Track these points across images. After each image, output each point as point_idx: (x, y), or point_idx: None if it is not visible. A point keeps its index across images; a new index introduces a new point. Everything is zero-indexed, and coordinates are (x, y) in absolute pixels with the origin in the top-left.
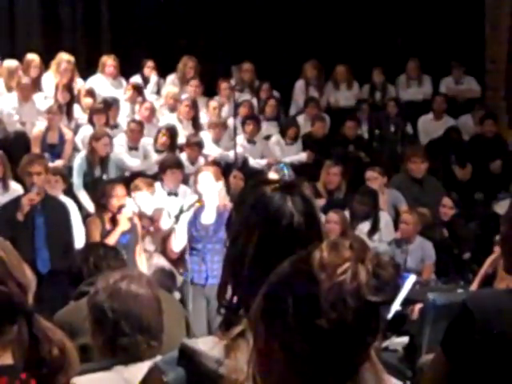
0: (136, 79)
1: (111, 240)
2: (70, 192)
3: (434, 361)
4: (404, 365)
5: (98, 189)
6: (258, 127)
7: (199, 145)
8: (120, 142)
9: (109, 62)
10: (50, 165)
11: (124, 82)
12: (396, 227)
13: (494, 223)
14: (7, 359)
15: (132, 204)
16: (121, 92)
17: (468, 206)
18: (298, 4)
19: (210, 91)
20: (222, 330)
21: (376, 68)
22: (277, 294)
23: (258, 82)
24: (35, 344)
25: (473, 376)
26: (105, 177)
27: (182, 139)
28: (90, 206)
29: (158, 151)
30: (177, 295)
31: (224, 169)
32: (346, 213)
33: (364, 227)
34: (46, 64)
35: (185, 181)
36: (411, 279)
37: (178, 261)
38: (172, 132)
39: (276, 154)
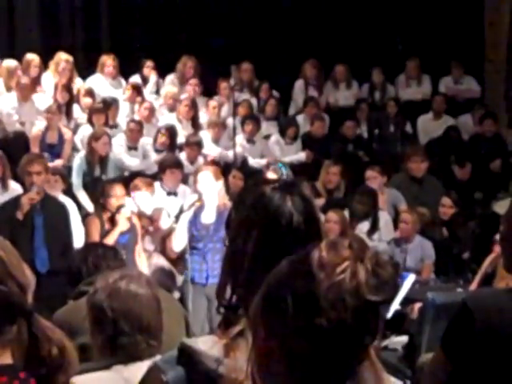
0: (135, 79)
1: (110, 240)
2: (69, 192)
3: (433, 360)
4: (403, 364)
5: (97, 189)
6: (258, 127)
7: (199, 144)
8: (119, 142)
9: (108, 61)
10: (50, 164)
11: (123, 81)
12: (395, 227)
13: (494, 223)
14: (7, 359)
15: (131, 204)
16: (120, 92)
17: (467, 205)
18: (297, 4)
19: (209, 91)
20: (222, 329)
21: (375, 67)
22: (276, 293)
23: (258, 81)
24: (35, 343)
25: (473, 375)
26: (104, 177)
27: (181, 139)
28: (89, 206)
29: (157, 151)
30: (176, 295)
31: (223, 168)
32: (346, 212)
33: (363, 227)
34: (45, 64)
35: (184, 180)
36: (410, 278)
37: (178, 260)
38: (171, 132)
39: (275, 154)
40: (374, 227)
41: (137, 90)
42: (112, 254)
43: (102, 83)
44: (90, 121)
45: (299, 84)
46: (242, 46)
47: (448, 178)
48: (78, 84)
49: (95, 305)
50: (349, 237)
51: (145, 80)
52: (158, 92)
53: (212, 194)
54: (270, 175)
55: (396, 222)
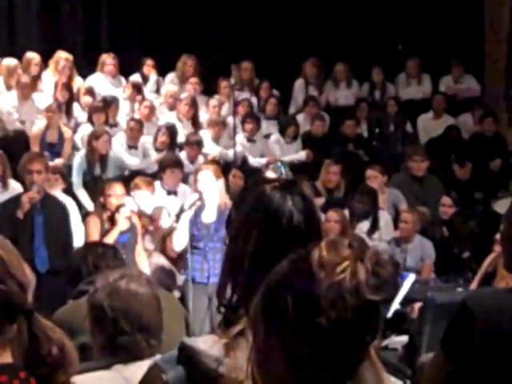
0: (135, 78)
1: (109, 239)
2: (69, 191)
3: (433, 360)
4: (403, 364)
5: (97, 188)
6: (258, 126)
7: (199, 143)
8: (119, 141)
9: (108, 60)
10: (50, 163)
11: (123, 80)
12: (396, 226)
13: (494, 222)
14: (7, 358)
15: (131, 203)
16: (120, 91)
17: (467, 204)
18: (297, 3)
19: (209, 90)
20: (222, 328)
21: (376, 67)
22: (276, 292)
23: (258, 80)
24: (35, 343)
25: (473, 375)
26: (104, 176)
27: (181, 138)
28: (89, 205)
29: (157, 150)
30: (176, 294)
31: (223, 168)
32: (346, 212)
33: (364, 226)
34: (45, 63)
35: (184, 180)
36: (411, 278)
37: (178, 259)
38: (171, 131)
39: (275, 153)
40: (374, 227)
41: (137, 88)
42: (112, 253)
43: (102, 82)
44: (90, 119)
45: (299, 83)
46: (243, 45)
47: (448, 177)
48: (78, 83)
49: (95, 304)
50: (349, 236)
51: (145, 79)
52: (158, 91)
53: (213, 194)
54: (270, 174)
55: (396, 221)
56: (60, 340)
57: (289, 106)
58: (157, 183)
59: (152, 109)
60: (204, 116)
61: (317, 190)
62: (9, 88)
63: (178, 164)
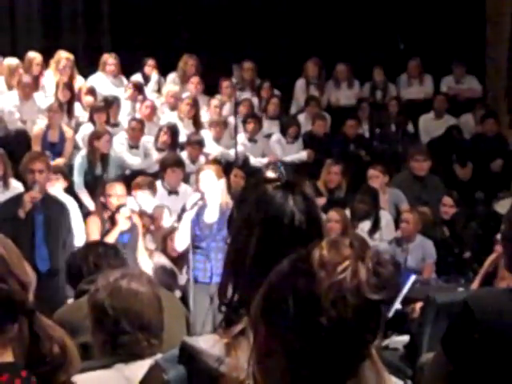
0: (137, 77)
1: (110, 239)
2: (70, 190)
3: (434, 360)
4: (404, 363)
5: (98, 187)
6: (259, 126)
7: (200, 143)
8: (121, 141)
9: (109, 60)
10: (51, 163)
11: (125, 80)
12: (397, 226)
13: (495, 222)
14: (8, 357)
15: (133, 202)
16: (121, 90)
17: (469, 204)
18: (298, 3)
19: (210, 90)
20: (223, 328)
21: (377, 67)
22: (277, 292)
23: (259, 80)
24: (36, 342)
25: (473, 375)
26: (105, 175)
27: (182, 138)
28: (90, 205)
29: (158, 150)
30: (178, 293)
31: (225, 167)
32: (347, 212)
33: (365, 226)
34: (46, 63)
35: (186, 179)
36: (412, 278)
37: (179, 259)
38: (173, 130)
39: (277, 153)
40: (375, 226)
41: (138, 88)
42: (113, 252)
43: (104, 82)
44: (91, 119)
45: (301, 83)
46: (244, 45)
47: (449, 177)
48: (80, 82)
49: (96, 303)
50: (350, 236)
51: (146, 78)
52: (159, 90)
53: (214, 193)
54: (269, 174)
55: (397, 221)
56: (61, 339)
57: (290, 106)
58: (158, 183)
59: (153, 108)
60: (205, 116)
61: (318, 189)
62: (10, 88)
63: (179, 164)
